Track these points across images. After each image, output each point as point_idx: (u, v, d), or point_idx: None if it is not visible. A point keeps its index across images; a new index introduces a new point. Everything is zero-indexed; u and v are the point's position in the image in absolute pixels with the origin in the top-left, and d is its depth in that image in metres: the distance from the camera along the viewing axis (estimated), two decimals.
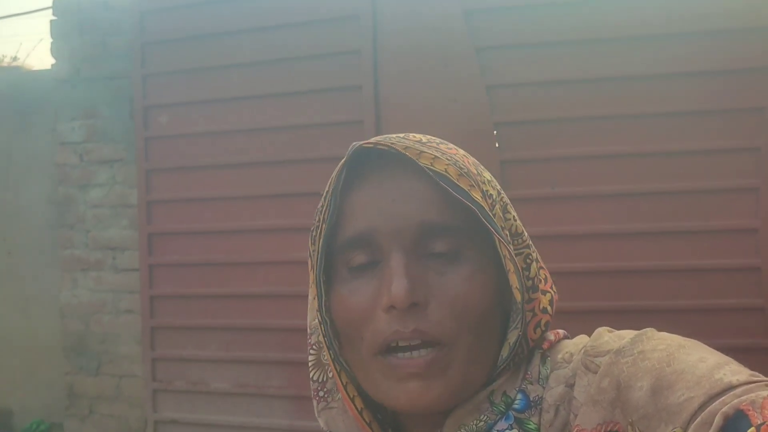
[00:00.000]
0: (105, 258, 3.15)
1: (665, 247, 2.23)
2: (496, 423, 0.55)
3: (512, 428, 0.55)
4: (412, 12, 2.53)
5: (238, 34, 2.77)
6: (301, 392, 2.67)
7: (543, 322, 0.58)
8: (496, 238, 0.54)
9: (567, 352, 0.57)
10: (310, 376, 0.63)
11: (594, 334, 0.57)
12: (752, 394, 0.43)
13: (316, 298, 0.59)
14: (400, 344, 0.53)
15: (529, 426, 0.55)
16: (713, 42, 2.18)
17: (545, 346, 0.59)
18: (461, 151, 0.60)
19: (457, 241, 0.55)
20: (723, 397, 0.43)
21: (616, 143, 2.28)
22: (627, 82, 2.27)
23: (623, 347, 0.52)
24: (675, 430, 0.44)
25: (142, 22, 2.93)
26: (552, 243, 2.27)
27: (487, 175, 0.60)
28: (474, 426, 0.55)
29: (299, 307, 2.71)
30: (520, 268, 0.57)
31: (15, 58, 5.30)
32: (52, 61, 3.25)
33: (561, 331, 0.61)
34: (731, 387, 0.44)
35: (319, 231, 0.58)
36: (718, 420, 0.42)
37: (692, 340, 0.51)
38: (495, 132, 2.41)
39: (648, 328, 0.54)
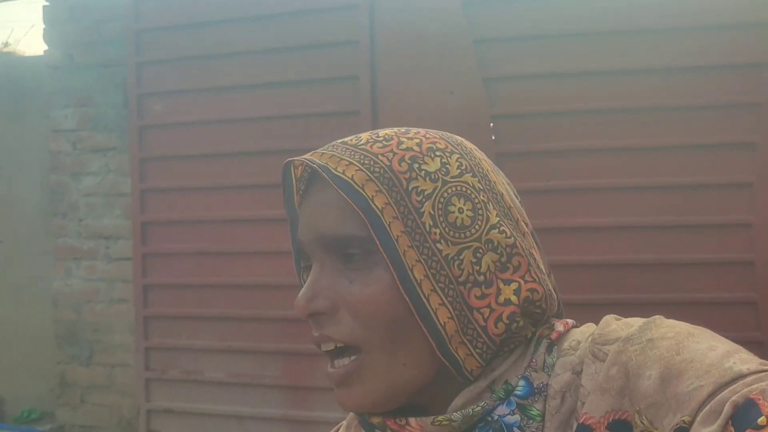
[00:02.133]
0: (98, 247, 3.13)
1: (660, 240, 2.24)
2: (495, 408, 0.55)
3: (514, 413, 0.54)
4: (409, 3, 2.52)
5: (235, 22, 2.75)
6: (296, 382, 2.67)
7: (505, 314, 0.55)
8: (379, 248, 0.54)
9: (574, 340, 0.57)
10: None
11: (601, 321, 0.57)
12: (763, 383, 0.42)
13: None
14: (323, 348, 0.57)
15: (532, 412, 0.54)
16: (710, 37, 2.18)
17: (554, 336, 0.58)
18: (413, 142, 0.57)
19: (365, 248, 0.55)
20: (733, 386, 0.43)
21: (612, 137, 2.28)
22: (624, 76, 2.27)
23: (632, 335, 0.52)
24: (683, 418, 0.44)
25: (137, 9, 2.90)
26: (546, 236, 2.27)
27: (434, 165, 0.56)
28: (470, 410, 0.55)
29: (294, 297, 2.70)
30: (470, 262, 0.54)
31: (6, 44, 5.24)
32: (45, 47, 3.22)
33: (570, 321, 0.60)
34: (741, 376, 0.44)
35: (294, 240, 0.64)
36: (727, 408, 0.41)
37: (701, 328, 0.51)
38: (492, 124, 2.40)
39: (656, 316, 0.53)
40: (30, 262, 3.60)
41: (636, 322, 0.54)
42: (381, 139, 0.58)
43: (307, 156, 0.59)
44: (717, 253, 2.19)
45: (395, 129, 0.60)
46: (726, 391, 0.43)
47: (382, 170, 0.56)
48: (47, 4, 3.20)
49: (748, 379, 0.43)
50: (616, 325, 0.55)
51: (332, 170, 0.56)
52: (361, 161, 0.56)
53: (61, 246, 3.19)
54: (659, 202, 2.24)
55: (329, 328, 0.56)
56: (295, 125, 2.68)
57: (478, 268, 0.55)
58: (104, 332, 3.13)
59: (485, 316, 0.55)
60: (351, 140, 0.60)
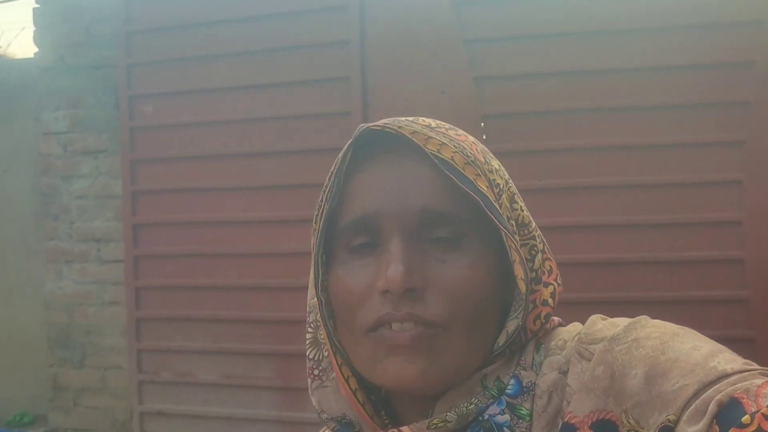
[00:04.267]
0: (89, 249, 3.12)
1: (651, 238, 2.25)
2: (487, 407, 0.55)
3: (504, 413, 0.55)
4: (400, 2, 2.52)
5: (225, 23, 2.74)
6: (288, 383, 2.67)
7: (543, 314, 0.58)
8: (501, 230, 0.54)
9: (561, 339, 0.57)
10: (306, 354, 0.63)
11: (588, 321, 0.58)
12: (746, 383, 0.43)
13: (314, 277, 0.59)
14: (393, 326, 0.53)
15: (521, 411, 0.55)
16: (699, 35, 2.19)
17: (540, 333, 0.59)
18: (470, 138, 0.60)
19: (460, 229, 0.55)
20: (717, 385, 0.43)
21: (602, 136, 2.29)
22: (614, 74, 2.28)
23: (617, 335, 0.52)
24: (668, 417, 0.44)
25: (128, 10, 2.89)
26: None
27: (495, 163, 0.60)
28: (464, 408, 0.54)
29: (286, 298, 2.71)
30: (524, 259, 0.57)
31: None
32: (35, 49, 3.20)
33: (556, 319, 0.61)
34: (725, 375, 0.44)
35: (321, 211, 0.58)
36: (712, 407, 0.42)
37: (686, 328, 0.52)
38: (483, 124, 2.41)
39: (642, 316, 0.54)
40: (21, 265, 3.58)
41: (622, 321, 0.54)
42: (446, 126, 0.59)
43: (389, 124, 0.55)
44: (707, 251, 2.20)
45: (433, 119, 0.60)
46: (711, 390, 0.43)
47: (472, 156, 0.56)
48: (37, 6, 3.19)
49: (732, 378, 0.44)
50: (602, 324, 0.56)
51: (425, 147, 0.54)
52: (452, 143, 0.55)
53: (53, 249, 3.18)
54: (649, 200, 2.24)
55: (417, 307, 0.52)
56: (286, 126, 2.68)
57: (531, 264, 0.58)
58: (96, 335, 3.11)
59: (528, 311, 0.57)
60: (417, 120, 0.58)
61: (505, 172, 0.61)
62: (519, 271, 0.55)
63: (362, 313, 0.54)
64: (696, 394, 0.44)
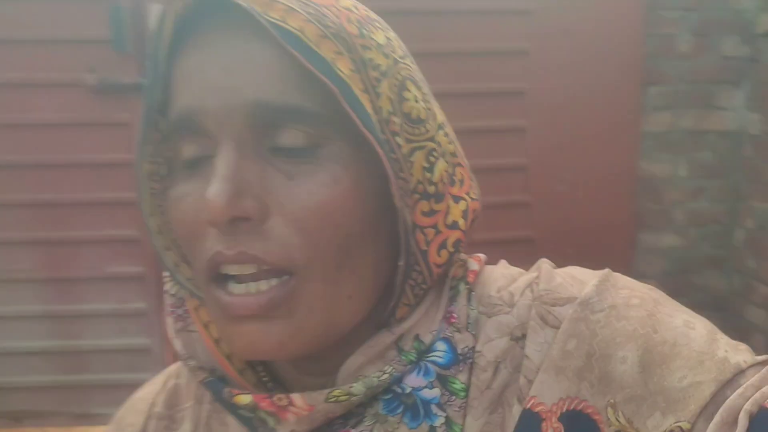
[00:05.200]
0: None
1: None
2: (404, 375, 0.41)
3: (433, 386, 0.42)
4: None
5: None
6: None
7: (450, 241, 0.43)
8: (362, 130, 0.38)
9: (504, 290, 0.45)
10: (164, 288, 0.48)
11: (540, 269, 0.45)
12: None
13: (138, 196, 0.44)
14: (231, 272, 0.39)
15: (454, 385, 0.42)
16: (480, 20, 2.22)
17: (470, 278, 0.45)
18: (347, 3, 0.42)
19: (316, 131, 0.38)
20: (739, 390, 0.36)
21: None
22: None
23: (589, 298, 0.41)
24: (680, 424, 0.36)
25: None
26: None
27: (381, 37, 0.42)
28: (376, 379, 0.41)
29: None
30: (421, 167, 0.42)
31: None
32: None
33: (481, 256, 0.48)
34: (740, 370, 0.37)
35: (143, 110, 0.42)
36: (743, 419, 0.35)
37: (657, 291, 0.43)
38: None
39: (606, 270, 0.44)
40: None
41: (584, 276, 0.44)
42: None
43: None
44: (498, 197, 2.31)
45: None
46: (734, 395, 0.36)
47: (336, 27, 0.39)
48: None
49: (748, 373, 0.37)
50: (561, 278, 0.44)
51: (264, 15, 0.37)
52: (306, 9, 0.38)
53: None
54: None
55: (256, 244, 0.38)
56: None
57: (429, 176, 0.42)
58: None
59: (428, 239, 0.42)
60: None
61: (399, 49, 0.43)
62: (392, 188, 0.40)
63: (197, 253, 0.40)
64: (714, 397, 0.37)
